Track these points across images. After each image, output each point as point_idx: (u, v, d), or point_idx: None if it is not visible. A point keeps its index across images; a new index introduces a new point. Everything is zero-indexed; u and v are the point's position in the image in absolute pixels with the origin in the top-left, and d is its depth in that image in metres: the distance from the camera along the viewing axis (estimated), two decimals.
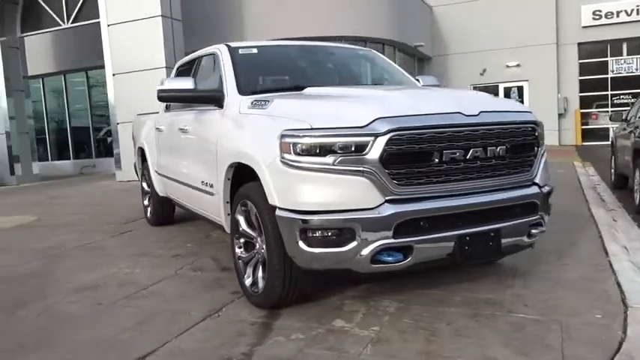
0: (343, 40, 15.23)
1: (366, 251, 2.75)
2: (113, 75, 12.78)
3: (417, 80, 4.69)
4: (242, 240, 3.49)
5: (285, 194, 2.87)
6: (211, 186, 3.92)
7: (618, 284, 3.47)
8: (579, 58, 19.60)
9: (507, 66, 19.68)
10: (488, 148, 2.96)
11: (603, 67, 19.67)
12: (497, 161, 3.02)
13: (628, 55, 19.39)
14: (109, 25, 12.67)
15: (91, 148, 17.71)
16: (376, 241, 2.74)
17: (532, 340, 2.70)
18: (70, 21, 15.42)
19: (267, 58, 4.36)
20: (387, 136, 2.70)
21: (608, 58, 19.60)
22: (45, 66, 16.80)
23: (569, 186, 8.40)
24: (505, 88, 20.19)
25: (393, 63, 4.87)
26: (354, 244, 2.75)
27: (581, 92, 19.73)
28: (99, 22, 12.93)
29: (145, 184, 6.51)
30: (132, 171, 7.75)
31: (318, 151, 2.76)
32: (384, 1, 16.68)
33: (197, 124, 4.32)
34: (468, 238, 2.91)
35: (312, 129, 2.79)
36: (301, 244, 2.81)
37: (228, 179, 3.59)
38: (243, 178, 3.40)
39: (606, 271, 3.78)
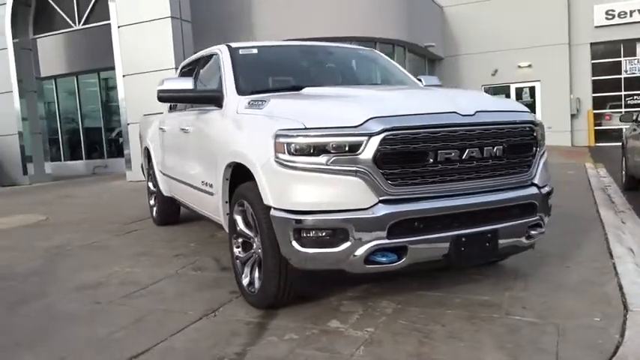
0: (353, 40, 15.22)
1: (359, 252, 2.74)
2: (123, 76, 12.87)
3: (420, 80, 4.66)
4: (240, 240, 3.49)
5: (279, 194, 2.87)
6: (211, 186, 3.93)
7: (620, 287, 3.41)
8: (592, 59, 19.36)
9: (519, 66, 19.50)
10: (485, 148, 2.92)
11: (616, 68, 19.42)
12: (495, 161, 2.99)
13: None
14: (119, 27, 12.76)
15: (103, 149, 17.84)
16: (370, 241, 2.72)
17: (526, 343, 2.66)
18: (82, 22, 15.51)
19: (267, 58, 4.37)
20: (381, 136, 2.69)
21: (622, 59, 19.35)
22: (58, 67, 16.96)
23: (579, 187, 8.30)
24: (517, 88, 20.02)
25: (395, 63, 4.85)
26: (347, 244, 2.73)
27: (594, 93, 19.49)
28: (109, 24, 13.02)
29: (150, 184, 6.55)
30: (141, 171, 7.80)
31: (311, 150, 2.75)
32: (394, 1, 16.62)
33: (197, 125, 4.33)
34: (463, 239, 2.88)
35: (305, 129, 2.78)
36: (295, 244, 2.80)
37: (227, 179, 3.59)
38: (241, 178, 3.40)
39: (609, 273, 3.72)
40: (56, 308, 3.59)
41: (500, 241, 3.00)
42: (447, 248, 2.86)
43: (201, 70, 4.77)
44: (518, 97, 20.08)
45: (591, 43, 19.23)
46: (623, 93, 19.43)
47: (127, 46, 12.70)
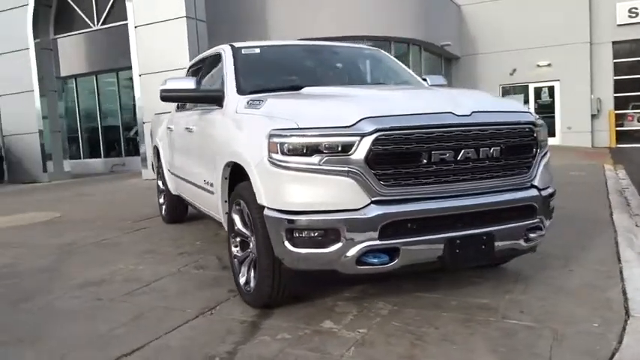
0: (367, 39, 15.18)
1: (351, 252, 2.72)
2: (139, 75, 13.03)
3: (425, 80, 4.62)
4: (238, 239, 3.50)
5: (273, 194, 2.87)
6: (212, 185, 3.95)
7: (624, 292, 3.33)
8: (614, 58, 18.98)
9: (538, 65, 19.19)
10: (481, 149, 2.88)
11: (639, 67, 19.03)
12: (492, 162, 2.94)
13: None
14: (135, 27, 12.92)
15: (121, 147, 18.05)
16: (361, 242, 2.71)
17: (521, 347, 2.62)
18: (100, 23, 15.76)
19: (269, 58, 4.37)
20: (373, 136, 2.67)
21: None
22: (77, 67, 17.20)
23: (595, 189, 8.14)
24: (535, 88, 19.72)
25: (400, 62, 4.81)
26: (339, 245, 2.72)
27: (615, 93, 19.09)
28: (127, 24, 13.18)
29: (160, 183, 6.61)
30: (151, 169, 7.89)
31: (304, 150, 2.74)
32: (410, 0, 16.52)
33: (200, 124, 4.36)
34: (458, 241, 2.84)
35: (298, 129, 2.78)
36: (287, 244, 2.80)
37: (225, 178, 3.61)
38: (239, 178, 3.41)
39: (614, 278, 3.64)
40: (59, 305, 3.64)
41: (497, 244, 2.96)
42: (441, 250, 2.83)
43: (206, 70, 4.79)
44: (537, 96, 19.82)
45: (613, 42, 18.84)
46: None
47: (143, 45, 12.85)
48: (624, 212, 6.27)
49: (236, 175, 3.47)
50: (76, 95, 18.41)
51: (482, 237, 2.91)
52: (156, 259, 4.74)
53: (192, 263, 4.48)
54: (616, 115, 19.12)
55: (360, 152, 2.68)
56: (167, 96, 4.00)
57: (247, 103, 3.48)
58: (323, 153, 2.71)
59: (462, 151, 2.83)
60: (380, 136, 2.68)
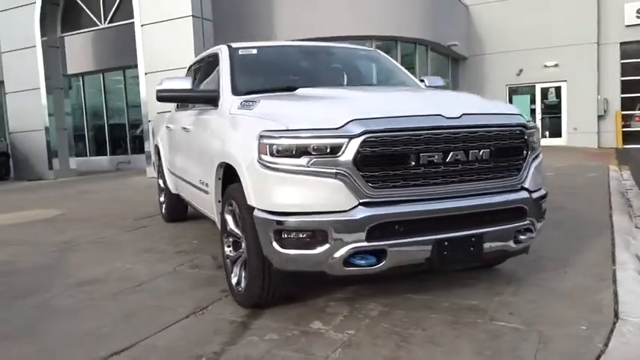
0: (373, 39, 15.18)
1: (338, 254, 2.73)
2: (145, 74, 13.08)
3: (422, 81, 4.62)
4: (231, 239, 3.52)
5: (262, 195, 2.88)
6: (207, 185, 3.97)
7: (615, 294, 3.33)
8: (621, 58, 18.86)
9: (545, 66, 19.10)
10: (470, 151, 2.88)
11: None
12: (481, 165, 2.94)
13: None
14: (142, 25, 12.97)
15: (127, 145, 18.17)
16: (349, 244, 2.72)
17: (505, 349, 2.62)
18: (107, 21, 15.86)
19: (266, 58, 4.39)
20: (361, 138, 2.68)
21: None
22: (84, 65, 17.32)
23: (597, 190, 8.11)
24: (542, 88, 19.63)
25: (397, 63, 4.81)
26: (326, 246, 2.73)
27: (622, 93, 18.98)
28: (133, 22, 13.25)
29: (161, 181, 6.65)
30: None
31: (293, 152, 2.76)
32: (416, 0, 16.49)
33: (196, 124, 4.39)
34: (446, 243, 2.84)
35: (287, 130, 2.79)
36: (275, 245, 2.81)
37: (219, 179, 3.63)
38: (232, 178, 3.42)
39: (607, 280, 3.63)
40: (54, 303, 3.68)
41: (486, 246, 2.96)
42: (429, 252, 2.84)
43: (205, 70, 4.82)
44: (544, 97, 19.73)
45: (621, 43, 18.74)
46: None
47: (149, 44, 12.90)
48: (624, 214, 6.24)
49: (229, 176, 3.49)
50: (82, 93, 18.55)
51: (471, 239, 2.91)
52: (153, 257, 4.78)
53: (188, 262, 4.51)
54: (623, 115, 19.01)
55: (348, 154, 2.69)
56: (163, 96, 4.03)
57: (241, 103, 3.50)
58: (311, 154, 2.72)
59: (451, 153, 2.83)
60: (368, 137, 2.68)
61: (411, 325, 2.95)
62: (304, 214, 2.76)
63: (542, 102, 19.82)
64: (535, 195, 3.18)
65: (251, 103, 3.36)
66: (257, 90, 3.78)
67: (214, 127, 3.83)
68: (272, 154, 2.81)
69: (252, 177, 2.93)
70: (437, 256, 2.84)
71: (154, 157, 7.02)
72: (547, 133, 19.80)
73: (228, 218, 3.46)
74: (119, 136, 18.36)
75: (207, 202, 4.09)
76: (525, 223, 3.12)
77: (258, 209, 2.91)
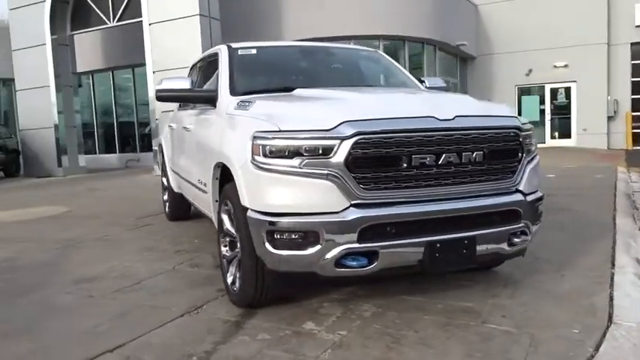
0: (382, 39, 15.16)
1: (330, 255, 2.74)
2: (153, 72, 13.17)
3: (423, 82, 4.61)
4: (227, 239, 3.53)
5: (255, 196, 2.90)
6: (205, 184, 4.00)
7: (611, 298, 3.31)
8: (632, 59, 18.70)
9: (555, 66, 18.98)
10: (464, 153, 2.88)
11: None
12: (474, 167, 2.93)
13: None
14: (150, 24, 13.07)
15: (136, 143, 18.29)
16: (340, 245, 2.72)
17: (496, 352, 2.62)
18: (116, 20, 15.97)
19: (265, 59, 4.40)
20: (353, 140, 2.68)
21: None
22: (94, 63, 17.45)
23: (603, 192, 8.03)
24: (552, 89, 19.50)
25: (398, 64, 4.80)
26: (318, 247, 2.74)
27: (633, 94, 18.82)
28: (141, 21, 13.33)
29: (164, 180, 6.69)
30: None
31: (286, 153, 2.77)
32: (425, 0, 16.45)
33: (196, 123, 4.42)
34: (438, 245, 2.84)
35: (280, 131, 2.80)
36: (268, 245, 2.83)
37: (216, 178, 3.65)
38: (228, 178, 3.44)
39: (605, 283, 3.60)
40: (53, 301, 3.72)
41: (479, 248, 2.95)
42: (421, 254, 2.84)
43: (206, 69, 4.85)
44: (554, 97, 19.60)
45: (632, 43, 18.57)
46: None
47: (157, 43, 13.00)
48: (628, 216, 6.19)
49: (226, 176, 3.51)
50: (92, 91, 18.69)
51: (464, 241, 2.91)
52: (153, 256, 4.81)
53: (187, 261, 4.54)
54: (633, 117, 18.84)
55: (339, 155, 2.69)
56: (163, 96, 4.05)
57: (237, 104, 3.52)
58: (303, 156, 2.73)
59: (444, 155, 2.83)
60: (359, 139, 2.69)
61: (404, 326, 2.96)
62: (296, 215, 2.77)
63: (551, 102, 19.70)
64: (530, 197, 3.17)
65: (247, 104, 3.38)
66: (255, 90, 3.80)
67: (211, 127, 3.85)
68: (265, 155, 2.82)
69: (245, 177, 2.95)
70: (429, 258, 2.84)
71: (158, 156, 7.07)
72: (556, 134, 19.69)
73: (225, 218, 3.48)
74: (128, 134, 18.49)
75: (205, 202, 4.12)
76: (520, 225, 3.11)
77: (251, 210, 2.92)
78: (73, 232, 6.11)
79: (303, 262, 2.82)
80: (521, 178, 3.12)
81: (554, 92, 19.56)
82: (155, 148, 13.40)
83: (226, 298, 3.50)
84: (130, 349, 2.84)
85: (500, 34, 19.81)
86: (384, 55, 4.91)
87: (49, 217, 7.39)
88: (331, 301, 3.40)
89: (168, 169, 6.12)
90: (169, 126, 5.75)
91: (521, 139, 3.10)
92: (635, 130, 18.84)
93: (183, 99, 4.34)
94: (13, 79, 16.37)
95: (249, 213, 2.93)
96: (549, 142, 19.53)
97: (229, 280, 3.44)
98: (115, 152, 18.56)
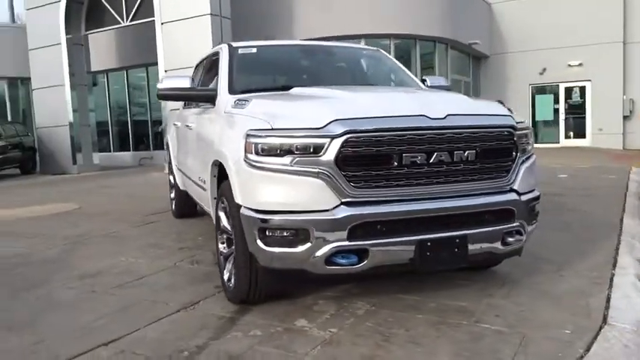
0: (392, 37, 15.12)
1: (320, 252, 2.76)
2: (165, 71, 13.28)
3: (424, 81, 4.60)
4: (224, 236, 3.57)
5: (247, 193, 2.93)
6: (204, 182, 4.04)
7: (608, 299, 3.28)
8: None
9: (569, 65, 18.77)
10: (455, 152, 2.88)
11: None
12: (467, 166, 2.93)
13: None
14: (162, 24, 13.20)
15: (149, 141, 18.46)
16: (330, 242, 2.75)
17: (485, 352, 2.62)
18: (129, 19, 16.14)
19: (265, 57, 4.43)
20: (343, 138, 2.70)
21: None
22: (108, 62, 17.67)
23: (614, 192, 7.94)
24: (566, 88, 19.29)
25: (399, 64, 4.80)
26: (308, 245, 2.76)
27: None
28: (154, 21, 13.46)
29: (171, 177, 6.76)
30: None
31: (277, 151, 2.80)
32: None
33: (197, 122, 4.46)
34: (429, 243, 2.85)
35: (272, 129, 2.83)
36: (260, 243, 2.86)
37: (214, 176, 3.68)
38: (225, 176, 3.48)
39: (603, 284, 3.57)
40: (56, 295, 3.79)
41: (471, 247, 2.95)
42: (412, 252, 2.84)
43: (209, 68, 4.89)
44: (568, 96, 19.39)
45: None
46: None
47: (169, 42, 13.12)
48: (635, 217, 6.11)
49: (224, 174, 3.54)
50: (106, 90, 18.90)
51: (455, 240, 2.91)
52: (157, 253, 4.87)
53: (189, 258, 4.59)
54: None
55: (330, 154, 2.71)
56: (164, 94, 4.10)
57: (235, 102, 3.56)
58: (294, 154, 2.76)
59: (435, 154, 2.83)
60: (350, 138, 2.71)
61: (395, 324, 2.97)
62: (287, 213, 2.80)
63: (565, 102, 19.49)
64: (525, 197, 3.15)
65: (244, 102, 3.41)
66: (253, 89, 3.83)
67: (210, 126, 3.89)
68: (257, 153, 2.85)
69: (238, 175, 2.98)
70: (420, 257, 2.85)
71: (166, 154, 7.15)
72: (571, 133, 19.48)
73: (222, 215, 3.51)
74: (142, 132, 18.67)
75: (206, 199, 4.16)
76: (514, 225, 3.10)
77: (244, 207, 2.96)
78: (81, 229, 6.20)
79: (294, 260, 2.84)
80: (516, 177, 3.11)
81: (568, 91, 19.35)
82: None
83: (223, 295, 3.53)
84: (124, 343, 2.89)
85: (513, 33, 19.64)
86: (385, 53, 4.91)
87: (58, 214, 7.50)
88: (326, 299, 3.42)
89: (174, 166, 6.19)
90: (174, 124, 5.81)
91: (515, 138, 3.09)
92: None
93: (184, 97, 4.39)
94: (29, 78, 16.63)
95: (242, 210, 2.96)
96: (563, 142, 19.33)
97: (226, 276, 3.47)
98: (129, 150, 18.75)
